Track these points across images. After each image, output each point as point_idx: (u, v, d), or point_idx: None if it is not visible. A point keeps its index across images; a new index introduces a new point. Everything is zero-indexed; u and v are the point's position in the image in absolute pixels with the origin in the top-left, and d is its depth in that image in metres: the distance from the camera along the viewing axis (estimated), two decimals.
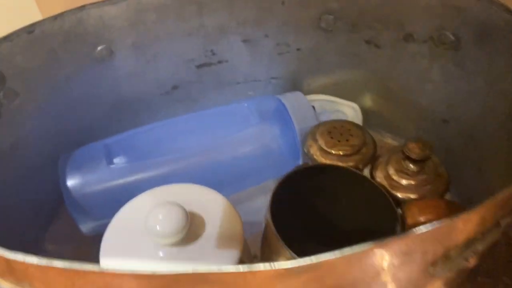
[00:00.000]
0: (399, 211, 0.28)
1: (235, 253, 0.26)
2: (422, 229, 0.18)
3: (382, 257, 0.19)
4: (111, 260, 0.26)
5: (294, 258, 0.25)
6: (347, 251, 0.17)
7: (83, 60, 0.36)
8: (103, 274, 0.16)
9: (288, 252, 0.26)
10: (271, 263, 0.17)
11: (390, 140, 0.45)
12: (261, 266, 0.17)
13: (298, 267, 0.17)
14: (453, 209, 0.27)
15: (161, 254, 0.26)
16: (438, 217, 0.27)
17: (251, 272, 0.17)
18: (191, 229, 0.26)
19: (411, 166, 0.31)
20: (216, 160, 0.37)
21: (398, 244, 0.19)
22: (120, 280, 0.17)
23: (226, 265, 0.25)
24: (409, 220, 0.27)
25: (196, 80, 0.42)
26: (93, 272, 0.16)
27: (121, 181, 0.35)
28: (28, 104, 0.34)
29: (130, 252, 0.26)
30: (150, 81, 0.40)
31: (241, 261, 0.26)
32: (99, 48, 0.37)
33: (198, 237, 0.26)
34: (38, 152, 0.35)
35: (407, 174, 0.31)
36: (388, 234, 0.28)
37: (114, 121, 0.40)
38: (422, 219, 0.27)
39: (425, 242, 0.19)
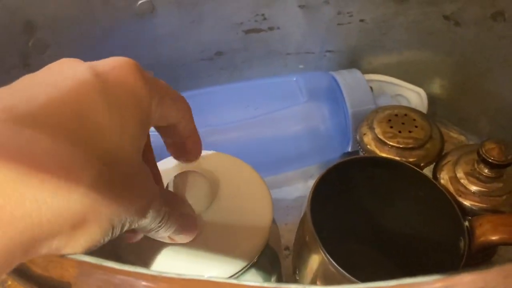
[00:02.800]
0: (466, 224, 0.24)
1: (259, 240, 0.23)
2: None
3: None
4: None
5: (329, 263, 0.22)
6: (407, 281, 0.13)
7: (122, 14, 0.34)
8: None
9: (324, 256, 0.22)
10: (304, 286, 0.13)
11: (456, 134, 0.41)
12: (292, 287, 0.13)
13: None
14: None
15: None
16: None
17: None
18: (212, 204, 0.23)
19: (486, 171, 0.26)
20: (254, 138, 0.35)
21: (474, 280, 0.14)
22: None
23: (247, 252, 0.22)
24: (478, 238, 0.23)
25: (243, 47, 0.39)
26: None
27: None
28: (59, 58, 0.32)
29: None
30: (193, 44, 0.38)
31: (268, 250, 0.23)
32: (140, 1, 0.34)
33: (219, 213, 0.23)
34: None
35: (479, 179, 0.27)
36: (449, 249, 0.24)
37: None
38: (495, 238, 0.22)
39: (509, 279, 0.15)
